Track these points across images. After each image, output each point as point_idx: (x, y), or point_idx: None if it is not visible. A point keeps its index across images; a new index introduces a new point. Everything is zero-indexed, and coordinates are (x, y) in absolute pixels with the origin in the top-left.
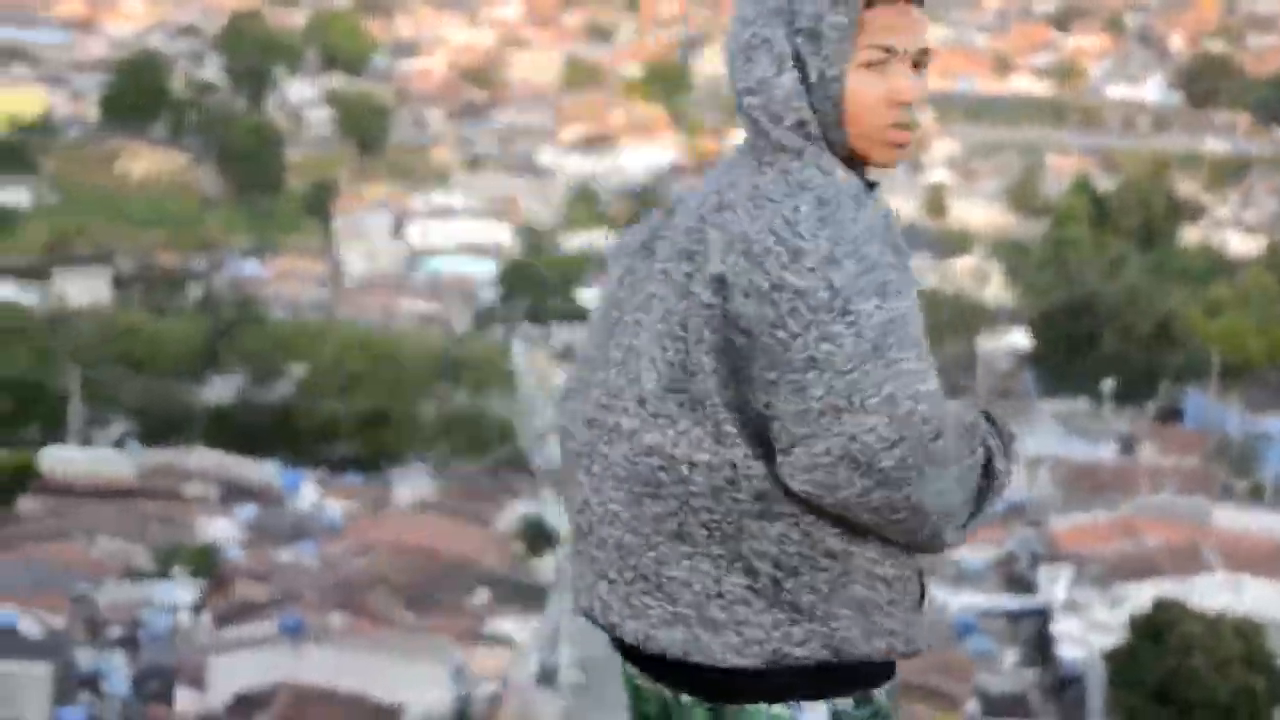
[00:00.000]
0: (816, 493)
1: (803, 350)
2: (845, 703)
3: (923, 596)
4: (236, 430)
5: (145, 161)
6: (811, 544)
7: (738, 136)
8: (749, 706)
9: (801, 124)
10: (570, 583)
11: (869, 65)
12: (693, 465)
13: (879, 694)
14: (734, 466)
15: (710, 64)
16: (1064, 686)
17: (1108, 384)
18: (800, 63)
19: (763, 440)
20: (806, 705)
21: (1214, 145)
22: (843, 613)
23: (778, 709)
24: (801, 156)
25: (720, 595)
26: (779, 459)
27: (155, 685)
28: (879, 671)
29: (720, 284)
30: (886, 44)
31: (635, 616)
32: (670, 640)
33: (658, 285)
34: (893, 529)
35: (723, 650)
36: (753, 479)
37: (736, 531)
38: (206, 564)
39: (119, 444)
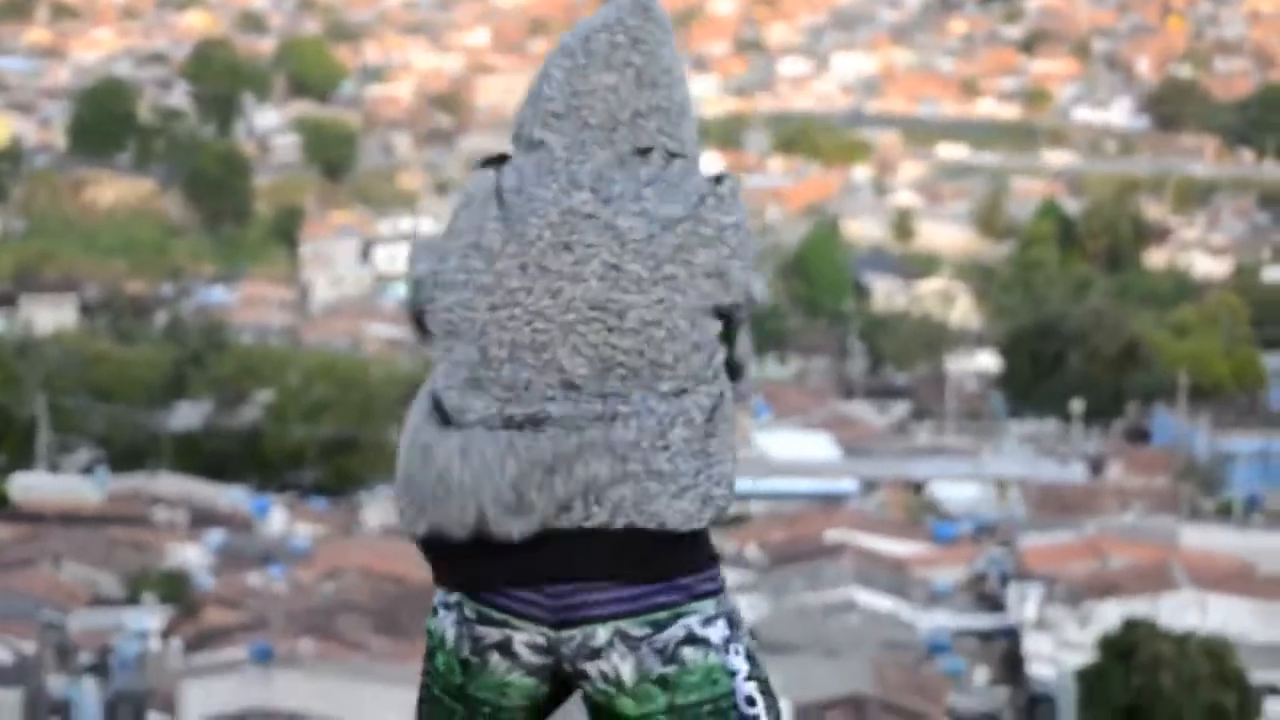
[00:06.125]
0: None
1: None
2: None
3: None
4: (204, 456)
5: (112, 189)
6: None
7: (707, 159)
8: None
9: None
10: None
11: None
12: None
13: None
14: None
15: None
16: (1035, 705)
17: (1076, 405)
18: None
19: None
20: None
21: (1180, 168)
22: None
23: None
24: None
25: None
26: None
27: (127, 711)
28: None
29: None
30: None
31: None
32: None
33: None
34: None
35: None
36: None
37: None
38: (175, 590)
39: (87, 471)
